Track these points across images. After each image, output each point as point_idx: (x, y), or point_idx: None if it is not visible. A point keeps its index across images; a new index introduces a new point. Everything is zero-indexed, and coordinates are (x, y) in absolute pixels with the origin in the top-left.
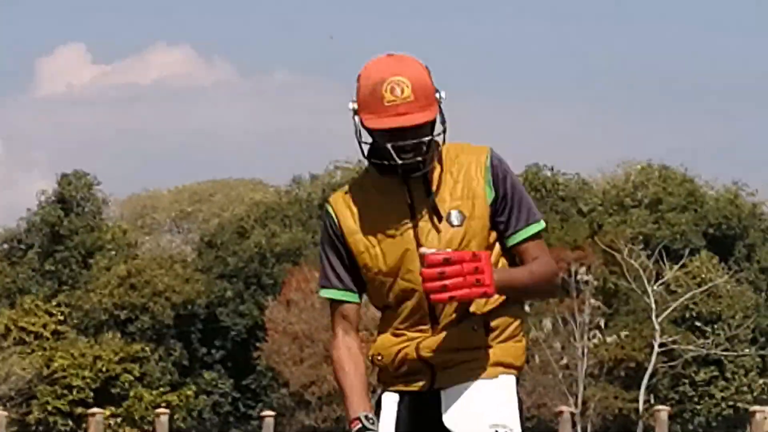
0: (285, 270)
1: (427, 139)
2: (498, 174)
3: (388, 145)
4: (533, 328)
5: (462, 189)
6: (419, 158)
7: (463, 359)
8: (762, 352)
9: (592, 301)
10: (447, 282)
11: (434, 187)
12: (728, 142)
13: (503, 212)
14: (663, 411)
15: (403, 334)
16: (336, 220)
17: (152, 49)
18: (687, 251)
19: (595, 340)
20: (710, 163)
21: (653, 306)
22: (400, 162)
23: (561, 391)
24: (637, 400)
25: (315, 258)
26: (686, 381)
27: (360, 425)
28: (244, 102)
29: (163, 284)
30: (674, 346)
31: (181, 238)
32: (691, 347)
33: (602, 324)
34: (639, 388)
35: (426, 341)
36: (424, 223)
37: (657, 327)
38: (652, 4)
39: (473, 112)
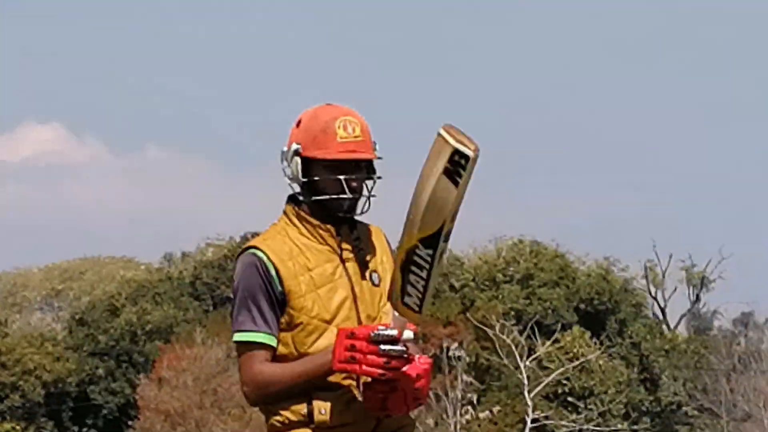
0: (156, 347)
1: (371, 180)
2: (391, 251)
3: (341, 177)
4: None
5: (379, 251)
6: (360, 198)
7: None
8: (635, 427)
9: (465, 377)
10: (388, 399)
11: (360, 243)
12: (598, 218)
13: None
14: None
15: (339, 393)
16: (271, 264)
17: (22, 127)
18: (559, 326)
19: (468, 417)
20: (581, 240)
21: (526, 382)
22: (349, 196)
23: None
24: None
25: (186, 336)
26: None
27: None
28: (115, 179)
29: (34, 362)
30: (547, 422)
31: (51, 316)
32: (563, 423)
33: (475, 400)
34: None
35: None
36: (355, 275)
37: (530, 403)
38: (513, 68)
39: None
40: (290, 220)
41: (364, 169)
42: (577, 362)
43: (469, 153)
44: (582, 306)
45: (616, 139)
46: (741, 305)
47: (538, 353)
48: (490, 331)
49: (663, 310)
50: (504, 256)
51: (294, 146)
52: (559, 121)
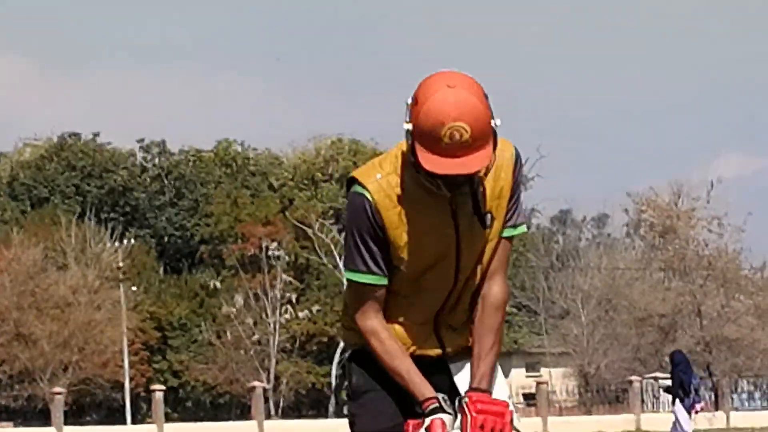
0: None
1: (481, 172)
2: (517, 172)
3: (439, 182)
4: (225, 304)
5: (493, 189)
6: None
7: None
8: None
9: (284, 276)
10: None
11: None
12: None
13: (508, 205)
14: None
15: (416, 327)
16: (376, 210)
17: None
18: None
19: (287, 315)
20: (400, 137)
21: (344, 280)
22: (449, 194)
23: (253, 366)
24: (329, 375)
25: (4, 237)
26: None
27: (436, 404)
28: None
29: None
30: None
31: None
32: None
33: (294, 299)
34: (331, 363)
35: (443, 337)
36: (464, 224)
37: None
38: None
39: (156, 86)
40: (407, 159)
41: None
42: None
43: None
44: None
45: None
46: (559, 203)
47: None
48: (309, 230)
49: None
50: (323, 154)
51: (406, 126)
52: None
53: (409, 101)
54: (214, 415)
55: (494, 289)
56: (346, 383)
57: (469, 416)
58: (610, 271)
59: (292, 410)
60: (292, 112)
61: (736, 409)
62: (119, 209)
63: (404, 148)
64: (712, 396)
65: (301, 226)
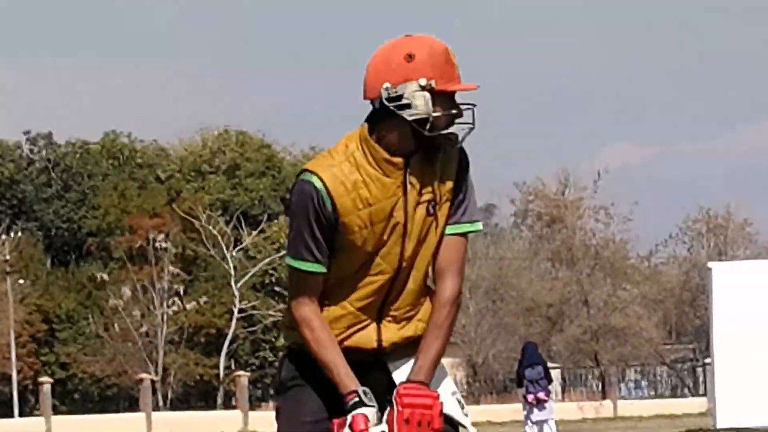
0: None
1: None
2: (463, 163)
3: (467, 107)
4: (112, 296)
5: (440, 177)
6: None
7: (408, 339)
8: None
9: (171, 268)
10: None
11: (433, 172)
12: (304, 106)
13: (454, 200)
14: (243, 376)
15: (355, 314)
16: (328, 197)
17: None
18: (265, 217)
19: (175, 307)
20: (287, 129)
21: (232, 272)
22: (472, 124)
23: (141, 358)
24: (217, 366)
25: None
26: (266, 346)
27: (357, 398)
28: None
29: None
30: (254, 312)
31: None
32: (270, 312)
33: (182, 291)
34: (220, 354)
35: (383, 328)
36: (411, 210)
37: (236, 293)
38: None
39: (42, 77)
40: (361, 145)
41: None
42: (283, 252)
43: None
44: (288, 196)
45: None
46: None
47: (244, 243)
48: (196, 222)
49: None
50: (210, 146)
51: (423, 81)
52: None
53: (405, 58)
54: (103, 407)
55: (444, 285)
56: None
57: (395, 410)
58: (498, 261)
59: (181, 402)
60: (178, 103)
61: (624, 398)
62: (6, 202)
63: (351, 139)
64: (600, 385)
65: (188, 218)
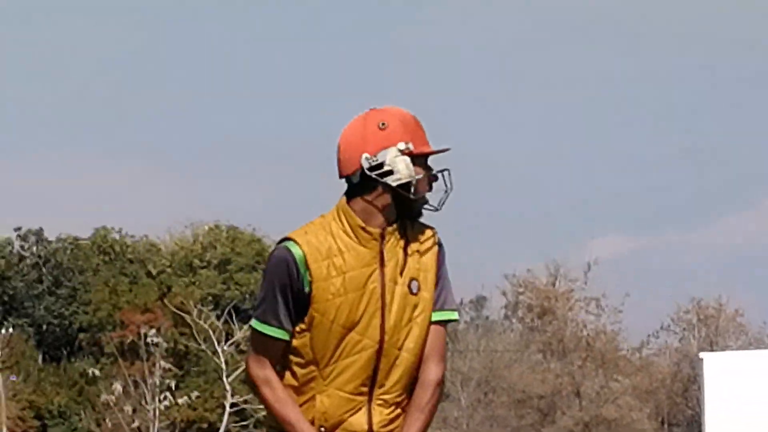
0: None
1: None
2: (442, 254)
3: (441, 172)
4: (104, 392)
5: (419, 260)
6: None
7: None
8: None
9: (163, 363)
10: None
11: (409, 247)
12: (294, 201)
13: (436, 288)
14: None
15: (347, 398)
16: (303, 263)
17: None
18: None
19: (167, 402)
20: (278, 223)
21: (224, 366)
22: (451, 189)
23: None
24: None
25: None
26: None
27: None
28: None
29: None
30: (245, 406)
31: None
32: (261, 407)
33: (173, 386)
34: None
35: (373, 411)
36: (389, 283)
37: (228, 387)
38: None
39: (32, 174)
40: (338, 214)
41: None
42: None
43: None
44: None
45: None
46: None
47: (235, 338)
48: (187, 317)
49: None
50: (201, 241)
51: (401, 145)
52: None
53: (379, 127)
54: None
55: (427, 369)
56: None
57: None
58: (489, 353)
59: None
60: (169, 199)
61: None
62: None
63: (328, 213)
64: None
65: (179, 312)
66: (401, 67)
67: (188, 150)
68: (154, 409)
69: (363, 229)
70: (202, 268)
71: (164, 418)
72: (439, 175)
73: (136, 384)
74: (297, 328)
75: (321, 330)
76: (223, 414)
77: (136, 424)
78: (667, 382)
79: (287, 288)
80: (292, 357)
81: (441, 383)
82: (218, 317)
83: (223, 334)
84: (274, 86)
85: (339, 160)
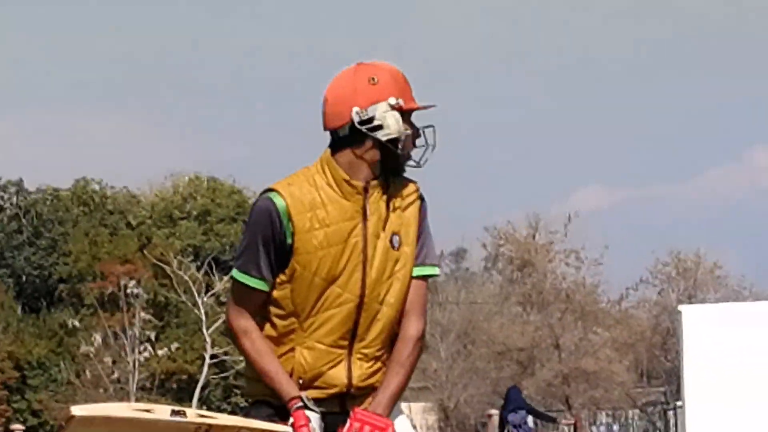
0: None
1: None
2: (424, 208)
3: (422, 128)
4: (83, 343)
5: (401, 214)
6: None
7: (374, 385)
8: None
9: (143, 314)
10: None
11: (392, 201)
12: (275, 152)
13: (417, 243)
14: None
15: (327, 351)
16: (286, 214)
17: None
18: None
19: (146, 354)
20: (258, 174)
21: (204, 318)
22: (432, 145)
23: None
24: None
25: None
26: (238, 392)
27: (300, 403)
28: None
29: None
30: (225, 357)
31: None
32: (242, 358)
33: (153, 337)
34: (191, 400)
35: (353, 365)
36: (372, 237)
37: (208, 339)
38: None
39: (12, 125)
40: (322, 167)
41: None
42: None
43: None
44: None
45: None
46: None
47: (215, 289)
48: (167, 268)
49: None
50: (181, 192)
51: (392, 101)
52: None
53: (369, 81)
54: None
55: (407, 324)
56: None
57: (347, 424)
58: (469, 305)
59: None
60: (148, 150)
61: None
62: None
63: (312, 166)
64: (572, 429)
65: (159, 264)
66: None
67: (169, 101)
68: (134, 361)
69: (347, 182)
70: (182, 219)
71: (144, 370)
72: (423, 131)
73: (115, 335)
74: (278, 280)
75: (302, 282)
76: (202, 366)
77: (115, 375)
78: (647, 335)
79: (269, 239)
80: (272, 308)
81: (421, 338)
82: (198, 268)
83: (203, 285)
84: (253, 31)
85: (326, 113)
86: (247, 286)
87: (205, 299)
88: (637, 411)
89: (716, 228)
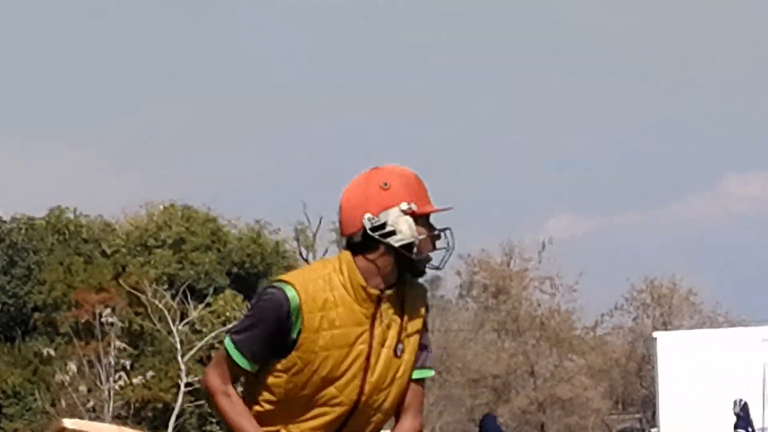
0: None
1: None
2: (427, 314)
3: (442, 230)
4: (58, 372)
5: (408, 323)
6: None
7: None
8: None
9: (118, 342)
10: None
11: (403, 309)
12: (249, 180)
13: (420, 346)
14: None
15: None
16: (297, 310)
17: None
18: (211, 290)
19: (121, 382)
20: (233, 203)
21: (179, 346)
22: (451, 248)
23: None
24: None
25: None
26: (213, 420)
27: None
28: None
29: None
30: (200, 386)
31: None
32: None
33: (128, 366)
34: (167, 428)
35: None
36: (377, 346)
37: (183, 367)
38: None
39: None
40: (340, 267)
41: None
42: (229, 325)
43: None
44: (234, 269)
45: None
46: None
47: (190, 317)
48: (142, 297)
49: None
50: (156, 220)
51: (404, 206)
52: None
53: (381, 187)
54: None
55: (404, 421)
56: None
57: None
58: (444, 333)
59: None
60: (123, 178)
61: None
62: None
63: (327, 262)
64: None
65: (134, 292)
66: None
67: (143, 130)
68: (109, 389)
69: (363, 288)
70: (157, 247)
71: (119, 398)
72: (445, 233)
73: (90, 364)
74: (274, 367)
75: (300, 378)
76: (178, 393)
77: (91, 404)
78: (622, 361)
79: (274, 332)
80: (263, 392)
81: None
82: (173, 297)
83: (178, 313)
84: (229, 56)
85: (341, 220)
86: (236, 363)
87: (179, 327)
88: None
89: (691, 255)
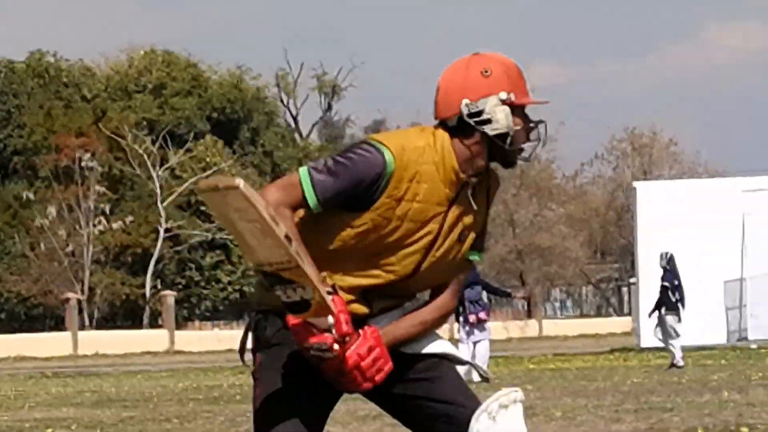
0: None
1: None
2: (493, 199)
3: (538, 122)
4: (38, 215)
5: (478, 211)
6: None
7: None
8: None
9: (98, 187)
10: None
11: (480, 197)
12: (230, 25)
13: (481, 230)
14: (170, 296)
15: (349, 286)
16: (389, 175)
17: None
18: (192, 136)
19: (101, 227)
20: (214, 48)
21: (158, 191)
22: (543, 141)
23: (67, 277)
24: (144, 286)
25: None
26: (192, 266)
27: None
28: None
29: None
30: (180, 231)
31: None
32: (196, 232)
33: (108, 210)
34: (146, 274)
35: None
36: (446, 229)
37: (162, 212)
38: None
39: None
40: (435, 144)
41: None
42: (209, 171)
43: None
44: (215, 115)
45: None
46: (373, 113)
47: (170, 163)
48: (122, 141)
49: (295, 119)
50: (136, 65)
51: (503, 95)
52: None
53: (482, 73)
54: (29, 326)
55: (443, 297)
56: (252, 333)
57: (362, 334)
58: None
59: (107, 321)
60: (105, 22)
61: (549, 318)
62: None
63: (424, 133)
64: (525, 304)
65: (114, 137)
66: None
67: None
68: (88, 234)
69: (455, 172)
70: (137, 92)
71: (98, 243)
72: (537, 125)
73: (70, 208)
74: (344, 218)
75: (365, 238)
76: (157, 239)
77: (70, 248)
78: (601, 211)
79: (357, 187)
80: (321, 236)
81: (449, 314)
82: (153, 142)
83: (158, 158)
84: None
85: (437, 102)
86: (304, 197)
87: (159, 173)
88: (590, 287)
89: (672, 104)
